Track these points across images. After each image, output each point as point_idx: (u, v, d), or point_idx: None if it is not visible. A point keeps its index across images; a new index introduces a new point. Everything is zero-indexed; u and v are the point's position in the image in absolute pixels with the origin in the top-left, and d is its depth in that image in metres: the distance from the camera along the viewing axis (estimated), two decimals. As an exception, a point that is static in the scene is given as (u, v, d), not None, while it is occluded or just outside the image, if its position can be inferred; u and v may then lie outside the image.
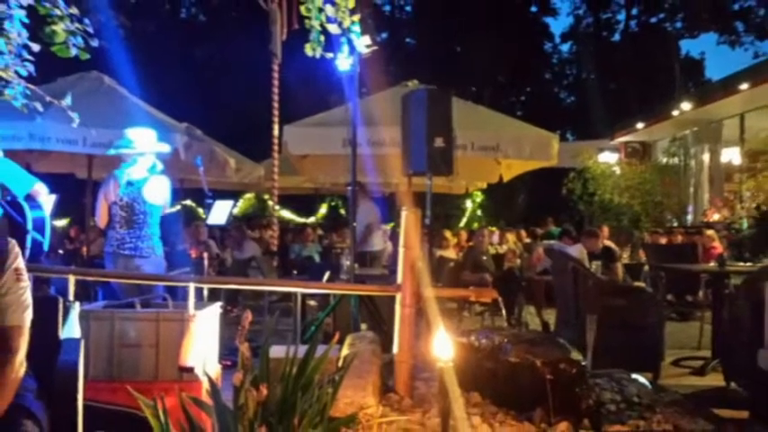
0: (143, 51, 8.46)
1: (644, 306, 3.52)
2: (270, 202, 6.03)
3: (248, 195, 11.95)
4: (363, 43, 3.03)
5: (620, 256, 5.59)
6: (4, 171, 2.37)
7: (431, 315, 2.34)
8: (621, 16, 18.63)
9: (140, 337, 2.21)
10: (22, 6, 2.28)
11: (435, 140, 3.48)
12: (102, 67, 5.02)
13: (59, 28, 2.28)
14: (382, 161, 4.68)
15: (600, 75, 17.33)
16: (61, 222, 8.21)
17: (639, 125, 9.62)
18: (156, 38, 13.75)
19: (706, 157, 8.97)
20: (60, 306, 1.56)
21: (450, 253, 5.90)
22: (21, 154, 4.37)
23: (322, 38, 2.68)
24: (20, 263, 1.40)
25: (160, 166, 3.15)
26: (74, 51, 2.32)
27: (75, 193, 5.95)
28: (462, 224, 12.24)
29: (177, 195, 4.23)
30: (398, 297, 2.48)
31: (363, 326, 3.41)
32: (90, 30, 2.35)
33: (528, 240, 7.91)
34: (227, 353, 2.75)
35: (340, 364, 2.20)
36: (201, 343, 2.21)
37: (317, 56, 2.74)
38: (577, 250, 4.49)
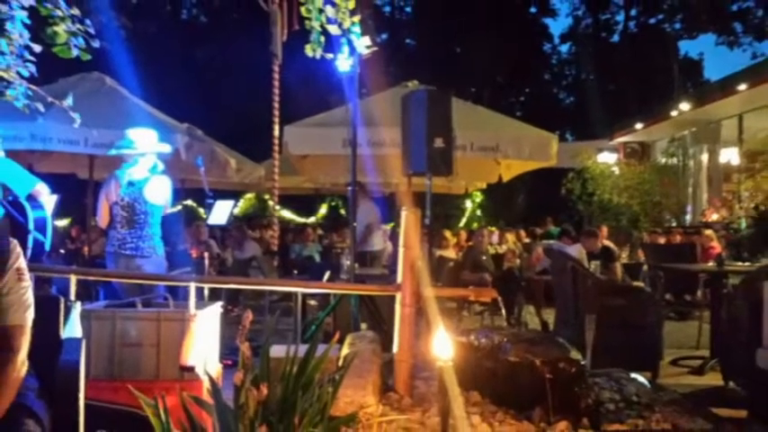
0: (144, 52, 8.48)
1: (643, 306, 3.53)
2: (270, 203, 6.04)
3: (249, 195, 11.98)
4: (363, 44, 3.04)
5: (618, 255, 5.60)
6: (6, 171, 2.38)
7: (431, 314, 2.34)
8: (620, 17, 18.69)
9: (141, 337, 2.21)
10: (23, 7, 2.29)
11: (435, 141, 3.49)
12: (104, 67, 5.03)
13: (61, 29, 2.28)
14: (382, 161, 4.69)
15: (599, 75, 17.34)
16: (63, 222, 8.23)
17: (638, 125, 9.63)
18: (158, 39, 13.77)
19: (704, 158, 8.99)
20: (62, 305, 1.56)
21: (450, 253, 5.91)
22: (22, 154, 4.39)
23: (322, 39, 2.69)
24: (21, 262, 1.41)
25: (161, 167, 3.16)
26: (75, 52, 2.32)
27: (77, 193, 5.95)
28: (462, 224, 12.26)
29: (178, 195, 4.23)
30: (398, 297, 2.49)
31: (363, 325, 3.42)
32: (91, 31, 2.35)
33: (527, 240, 7.94)
34: (228, 352, 2.75)
35: (340, 363, 2.21)
36: (202, 342, 2.21)
37: (318, 57, 2.75)
38: (576, 250, 4.50)
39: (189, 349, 2.17)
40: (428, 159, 3.51)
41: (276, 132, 4.68)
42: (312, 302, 4.59)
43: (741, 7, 16.57)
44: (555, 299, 4.20)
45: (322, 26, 2.63)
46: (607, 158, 9.79)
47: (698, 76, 17.71)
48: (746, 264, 4.10)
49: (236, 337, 1.50)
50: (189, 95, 11.44)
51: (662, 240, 6.45)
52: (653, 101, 11.85)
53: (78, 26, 2.32)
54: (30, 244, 2.23)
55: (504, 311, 4.59)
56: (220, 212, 4.09)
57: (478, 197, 12.58)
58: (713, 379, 3.23)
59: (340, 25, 2.64)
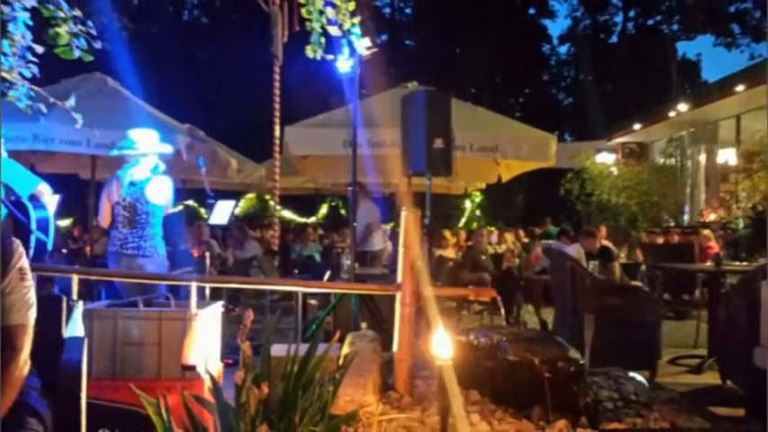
0: (146, 53, 8.49)
1: (641, 305, 3.54)
2: (271, 203, 6.05)
3: (250, 195, 11.99)
4: (363, 45, 3.06)
5: (617, 255, 5.63)
6: (9, 172, 2.39)
7: (430, 314, 2.35)
8: (619, 18, 18.72)
9: (143, 336, 2.22)
10: (25, 9, 2.29)
11: (435, 141, 3.50)
12: (106, 68, 5.03)
13: (63, 30, 2.29)
14: (382, 162, 4.70)
15: (597, 76, 17.37)
16: (65, 222, 8.24)
17: (637, 126, 9.66)
18: (159, 40, 13.77)
19: (702, 158, 9.02)
20: (64, 305, 1.57)
21: (450, 252, 5.92)
22: (25, 155, 4.39)
23: (323, 40, 2.70)
24: (24, 262, 1.41)
25: (163, 167, 3.17)
26: (77, 53, 2.33)
27: (79, 193, 5.95)
28: (461, 224, 12.27)
29: (179, 195, 4.23)
30: (398, 296, 2.49)
31: (364, 325, 3.42)
32: (93, 32, 2.36)
33: (526, 240, 7.96)
34: (229, 351, 2.76)
35: (340, 362, 2.21)
36: (203, 341, 2.22)
37: (318, 58, 2.76)
38: (575, 250, 4.52)
39: (190, 348, 2.17)
40: (428, 160, 3.52)
41: (277, 133, 4.69)
42: (313, 302, 4.60)
43: (739, 8, 16.63)
44: (554, 298, 4.21)
45: (322, 27, 2.65)
46: (605, 159, 9.82)
47: (696, 77, 17.75)
48: (744, 263, 4.13)
49: (237, 337, 1.51)
50: (190, 96, 11.47)
51: (660, 240, 6.48)
52: (651, 101, 11.87)
53: (80, 27, 2.33)
54: (32, 244, 2.23)
55: (503, 311, 4.60)
56: (221, 212, 4.10)
57: (478, 197, 12.60)
58: (711, 378, 3.24)
59: (340, 26, 2.65)
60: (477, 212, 13.19)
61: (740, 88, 6.91)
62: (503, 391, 2.35)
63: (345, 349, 2.57)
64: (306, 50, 2.74)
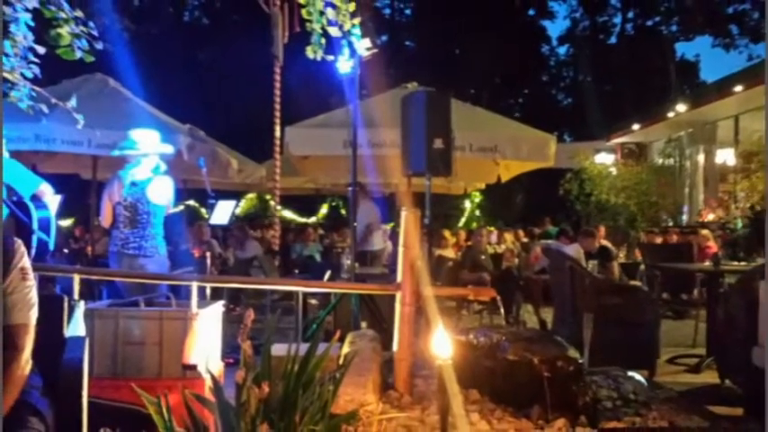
0: (147, 54, 8.50)
1: (640, 304, 3.55)
2: (272, 203, 6.06)
3: (250, 196, 12.00)
4: (364, 46, 3.07)
5: (616, 255, 5.65)
6: (11, 172, 2.39)
7: (430, 313, 2.36)
8: (618, 19, 18.75)
9: (144, 336, 2.23)
10: (27, 9, 2.30)
11: (434, 142, 3.51)
12: (107, 69, 5.04)
13: (64, 31, 2.30)
14: (382, 162, 4.71)
15: (596, 77, 17.40)
16: (66, 222, 8.26)
17: (635, 126, 9.69)
18: (160, 41, 13.79)
19: (701, 158, 9.05)
20: (65, 305, 1.58)
21: (449, 252, 5.93)
22: (26, 155, 4.38)
23: (323, 41, 2.71)
24: (26, 262, 1.41)
25: (163, 167, 3.17)
26: (78, 54, 2.34)
27: (80, 193, 5.96)
28: (461, 224, 12.29)
29: (180, 196, 4.25)
30: (398, 296, 2.50)
31: (364, 324, 3.43)
32: (95, 33, 2.37)
33: (526, 240, 7.98)
34: (230, 351, 2.76)
35: (341, 361, 2.20)
36: (204, 341, 2.23)
37: (318, 58, 2.77)
38: (574, 250, 4.54)
39: (191, 348, 2.18)
40: (427, 160, 3.54)
41: (277, 133, 4.71)
42: (313, 301, 4.61)
43: (737, 10, 16.68)
44: (553, 298, 4.22)
45: (323, 28, 2.66)
46: (604, 159, 9.84)
47: (694, 77, 17.80)
48: (742, 263, 4.15)
49: (238, 336, 1.51)
50: (191, 97, 11.50)
51: (659, 240, 6.50)
52: (650, 102, 11.89)
53: (82, 28, 2.33)
54: (34, 243, 2.23)
55: (502, 310, 4.61)
56: (222, 212, 4.11)
57: (477, 197, 12.62)
58: (709, 377, 3.25)
59: (340, 27, 2.66)
60: (477, 212, 13.21)
61: (738, 89, 6.93)
62: (502, 391, 2.36)
63: (345, 348, 2.58)
64: (306, 51, 2.75)
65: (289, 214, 12.18)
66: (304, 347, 1.67)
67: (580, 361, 2.42)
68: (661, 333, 3.62)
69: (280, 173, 4.88)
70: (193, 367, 2.17)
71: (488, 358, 2.44)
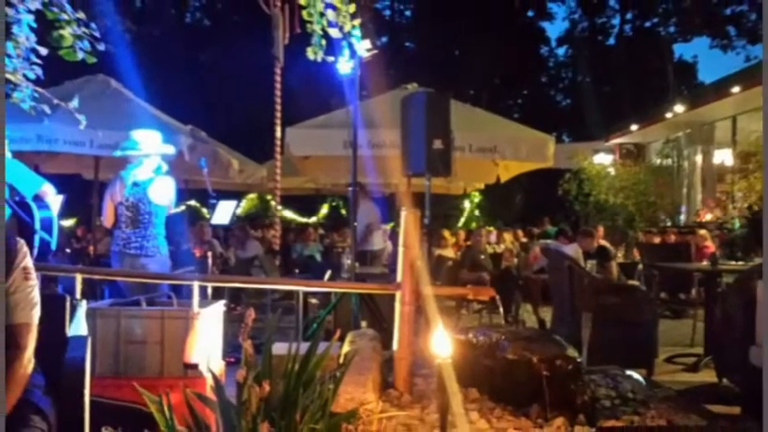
0: (148, 55, 8.52)
1: (638, 304, 3.56)
2: (272, 203, 6.08)
3: (251, 196, 12.01)
4: (364, 47, 3.09)
5: (614, 255, 5.66)
6: (13, 172, 2.40)
7: (430, 313, 2.37)
8: (616, 21, 18.80)
9: (146, 335, 2.23)
10: (30, 11, 2.32)
11: (434, 142, 3.53)
12: (109, 70, 5.05)
13: (67, 32, 2.31)
14: (382, 162, 4.73)
15: (595, 78, 17.44)
16: (68, 222, 8.27)
17: (634, 127, 9.71)
18: (162, 42, 13.81)
19: (699, 159, 9.07)
20: (67, 304, 1.59)
21: (449, 252, 5.95)
22: (29, 155, 4.40)
23: (323, 42, 2.72)
24: (28, 262, 1.42)
25: (165, 168, 3.18)
26: (81, 55, 2.35)
27: (82, 193, 5.98)
28: (461, 224, 12.30)
29: (182, 196, 4.26)
30: (398, 295, 2.51)
31: (364, 323, 3.43)
32: (97, 34, 2.38)
33: (525, 240, 8.01)
34: (231, 350, 2.77)
35: (341, 360, 2.22)
36: (205, 340, 2.24)
37: (319, 59, 2.79)
38: (573, 249, 4.56)
39: (192, 347, 2.19)
40: (427, 160, 3.55)
41: (278, 134, 4.72)
42: (313, 301, 4.62)
43: (735, 11, 16.73)
44: (552, 297, 4.24)
45: (323, 29, 2.67)
46: (603, 159, 9.87)
47: (692, 78, 17.85)
48: (740, 263, 4.15)
49: (239, 335, 1.52)
50: (192, 97, 11.51)
51: (657, 240, 6.52)
52: (648, 103, 11.94)
53: (84, 29, 2.35)
54: (36, 243, 2.24)
55: (501, 310, 4.63)
56: (223, 212, 4.12)
57: (477, 197, 12.64)
58: (707, 376, 3.26)
59: (341, 29, 2.67)
60: (476, 212, 13.23)
61: (736, 90, 6.96)
62: (501, 389, 2.37)
63: (346, 348, 2.58)
64: (307, 52, 2.76)
65: (289, 214, 12.19)
66: (304, 346, 1.68)
67: (579, 360, 2.43)
68: (659, 332, 3.64)
69: (280, 173, 4.89)
70: (195, 366, 2.18)
71: (488, 357, 2.44)
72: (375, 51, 3.31)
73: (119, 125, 4.19)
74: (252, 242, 6.20)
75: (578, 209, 9.17)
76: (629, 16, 18.59)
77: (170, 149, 3.33)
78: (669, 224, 8.52)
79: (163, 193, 3.12)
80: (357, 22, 2.74)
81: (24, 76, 2.40)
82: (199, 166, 3.92)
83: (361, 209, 4.83)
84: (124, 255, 3.09)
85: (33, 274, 1.43)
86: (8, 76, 2.33)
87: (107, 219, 3.21)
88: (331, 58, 2.93)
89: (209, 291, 2.65)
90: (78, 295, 2.21)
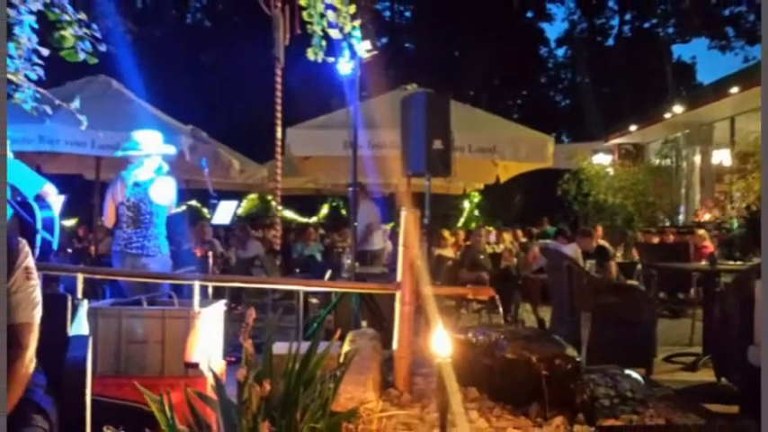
0: (150, 56, 8.53)
1: (637, 303, 3.57)
2: (273, 203, 6.10)
3: (252, 196, 12.02)
4: (364, 48, 3.10)
5: (613, 254, 5.68)
6: (15, 172, 2.41)
7: (430, 312, 2.38)
8: (615, 21, 18.82)
9: (147, 334, 2.24)
10: (31, 12, 2.33)
11: (434, 142, 3.54)
12: (110, 71, 5.06)
13: (68, 33, 2.32)
14: (382, 162, 4.74)
15: (594, 78, 17.46)
16: (70, 222, 8.28)
17: (633, 127, 9.73)
18: (163, 43, 13.81)
19: (697, 159, 9.09)
20: (69, 304, 1.59)
21: (449, 252, 5.96)
22: (30, 156, 4.40)
23: (324, 43, 2.74)
24: (30, 261, 1.42)
25: (166, 168, 3.19)
26: (82, 56, 2.36)
27: (84, 193, 5.99)
28: (460, 224, 12.32)
29: (183, 196, 4.26)
30: (398, 295, 2.52)
31: (364, 323, 3.44)
32: (98, 35, 2.39)
33: (524, 240, 8.03)
34: (232, 349, 2.77)
35: (341, 360, 2.22)
36: (206, 339, 2.24)
37: (319, 60, 2.80)
38: (572, 249, 4.57)
39: (193, 346, 2.20)
40: (427, 160, 3.56)
41: (279, 134, 4.74)
42: (314, 300, 4.63)
43: (733, 12, 16.75)
44: (551, 297, 4.24)
45: (323, 30, 2.68)
46: (602, 160, 9.89)
47: (691, 79, 17.87)
48: (738, 263, 4.15)
49: (240, 335, 1.52)
50: (193, 98, 11.53)
51: (656, 240, 6.53)
52: (647, 103, 11.96)
53: (85, 30, 2.35)
54: (38, 243, 2.25)
55: (501, 309, 4.63)
56: (224, 212, 4.13)
57: (476, 197, 12.66)
58: (706, 375, 3.27)
59: (341, 29, 2.68)
60: (476, 212, 13.25)
61: (734, 90, 6.97)
62: (501, 389, 2.38)
63: (346, 347, 2.59)
64: (307, 53, 2.77)
65: (290, 214, 12.21)
66: (305, 346, 1.69)
67: (578, 359, 2.44)
68: (658, 332, 3.65)
69: (281, 173, 4.91)
70: (195, 365, 2.18)
71: (487, 356, 2.45)
72: (375, 52, 3.32)
73: (120, 126, 4.20)
74: (252, 242, 6.20)
75: (577, 209, 9.18)
76: (627, 17, 18.64)
77: (171, 150, 3.33)
78: (668, 224, 8.53)
79: (164, 193, 3.13)
80: (357, 22, 2.75)
81: (26, 76, 2.41)
82: (200, 167, 3.92)
83: (361, 209, 4.84)
84: (125, 254, 3.10)
85: (35, 274, 1.43)
86: (10, 76, 2.34)
87: (108, 219, 3.22)
88: (331, 59, 2.94)
89: (210, 290, 2.65)
90: (80, 295, 2.22)
